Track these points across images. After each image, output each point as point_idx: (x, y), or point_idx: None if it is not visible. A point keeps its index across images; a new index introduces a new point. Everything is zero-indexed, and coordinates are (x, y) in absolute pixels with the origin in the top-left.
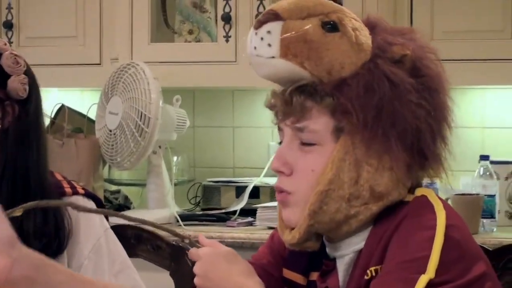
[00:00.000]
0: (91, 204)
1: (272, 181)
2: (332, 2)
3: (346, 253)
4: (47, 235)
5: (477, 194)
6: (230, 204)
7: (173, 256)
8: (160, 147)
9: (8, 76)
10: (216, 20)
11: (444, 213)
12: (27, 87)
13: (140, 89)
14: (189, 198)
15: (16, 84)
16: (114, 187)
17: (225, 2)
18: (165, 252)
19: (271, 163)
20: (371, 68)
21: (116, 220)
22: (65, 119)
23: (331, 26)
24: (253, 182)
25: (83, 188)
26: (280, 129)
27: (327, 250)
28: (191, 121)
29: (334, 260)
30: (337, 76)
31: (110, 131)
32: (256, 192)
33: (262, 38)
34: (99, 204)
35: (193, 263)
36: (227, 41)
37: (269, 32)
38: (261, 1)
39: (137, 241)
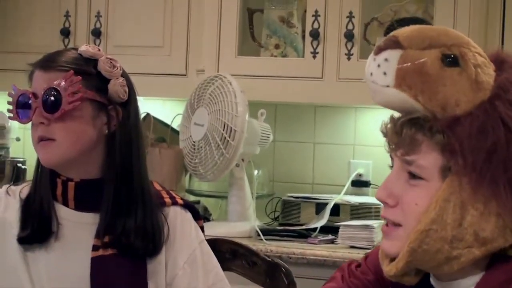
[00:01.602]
0: (188, 215)
1: (353, 199)
2: (458, 33)
3: None
4: (146, 234)
5: None
6: (309, 220)
7: (268, 272)
8: (243, 160)
9: (107, 80)
10: (304, 36)
11: None
12: (126, 89)
13: (227, 101)
14: (268, 213)
15: (117, 87)
16: (193, 198)
17: (314, 18)
18: (261, 268)
19: (376, 192)
20: (488, 109)
21: (207, 233)
22: (149, 128)
23: (452, 60)
24: (333, 199)
25: (181, 199)
26: (391, 157)
27: (432, 282)
28: (272, 135)
29: None
30: (451, 113)
31: (195, 142)
32: (336, 210)
33: (379, 65)
34: (196, 215)
35: (289, 280)
36: (314, 57)
37: (386, 60)
38: (351, 18)
39: (232, 256)
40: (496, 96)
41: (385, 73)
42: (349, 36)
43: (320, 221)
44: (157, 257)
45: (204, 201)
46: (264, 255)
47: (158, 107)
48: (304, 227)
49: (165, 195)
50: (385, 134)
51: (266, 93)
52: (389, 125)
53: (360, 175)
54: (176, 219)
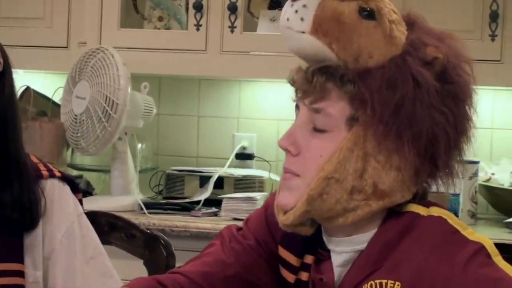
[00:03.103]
0: (66, 188)
1: (236, 172)
2: None
3: (345, 250)
4: (23, 207)
5: (443, 192)
6: (193, 194)
7: (147, 245)
8: (126, 133)
9: None
10: (187, 8)
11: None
12: (1, 60)
13: (109, 74)
14: (152, 186)
15: None
16: (76, 172)
17: None
18: (140, 240)
19: (279, 140)
20: (399, 63)
21: (90, 207)
22: (29, 101)
23: (368, 13)
24: (218, 172)
25: (59, 171)
26: (297, 107)
27: (324, 238)
28: (156, 109)
29: (328, 251)
30: (363, 64)
31: (76, 115)
32: (220, 183)
33: (296, 11)
34: (74, 187)
35: (168, 252)
36: (197, 29)
37: (305, 6)
38: None
39: (111, 228)
40: (407, 52)
41: (302, 19)
42: (233, 8)
43: (203, 194)
44: (34, 231)
45: (86, 175)
46: (146, 228)
47: (39, 80)
48: (187, 200)
49: (42, 167)
50: (292, 83)
51: (149, 66)
52: (297, 74)
53: (244, 148)
54: (53, 192)
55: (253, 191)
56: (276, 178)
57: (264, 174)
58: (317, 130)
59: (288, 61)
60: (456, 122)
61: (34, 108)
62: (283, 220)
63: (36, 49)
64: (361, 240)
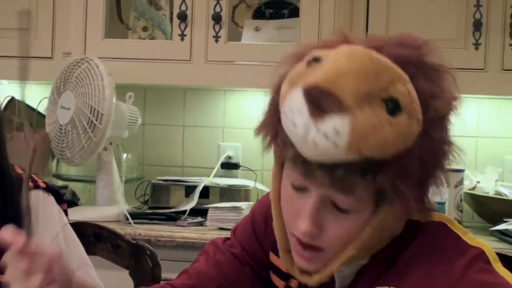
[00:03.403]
0: (50, 199)
1: (222, 181)
2: (384, 62)
3: (347, 269)
4: (7, 218)
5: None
6: (179, 203)
7: (132, 255)
8: (111, 143)
9: None
10: (172, 18)
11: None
12: None
13: (94, 84)
14: (137, 196)
15: None
16: (61, 183)
17: (181, 0)
18: (125, 251)
19: (304, 226)
20: (425, 141)
21: (75, 217)
22: (14, 112)
23: (394, 106)
24: (203, 182)
25: (44, 182)
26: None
27: None
28: (141, 119)
29: None
30: (389, 156)
31: (61, 126)
32: (205, 192)
33: (326, 137)
34: (59, 198)
35: (153, 263)
36: (182, 39)
37: (337, 133)
38: (218, 1)
39: (96, 239)
40: (427, 123)
41: (336, 145)
42: (217, 18)
43: (189, 203)
44: None
45: (72, 185)
46: (132, 238)
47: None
48: (173, 210)
49: None
50: (301, 169)
51: (134, 76)
52: (314, 169)
53: (229, 157)
54: (38, 203)
55: (239, 200)
56: (262, 187)
57: (249, 183)
58: (339, 210)
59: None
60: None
61: (19, 119)
62: (303, 281)
63: (20, 60)
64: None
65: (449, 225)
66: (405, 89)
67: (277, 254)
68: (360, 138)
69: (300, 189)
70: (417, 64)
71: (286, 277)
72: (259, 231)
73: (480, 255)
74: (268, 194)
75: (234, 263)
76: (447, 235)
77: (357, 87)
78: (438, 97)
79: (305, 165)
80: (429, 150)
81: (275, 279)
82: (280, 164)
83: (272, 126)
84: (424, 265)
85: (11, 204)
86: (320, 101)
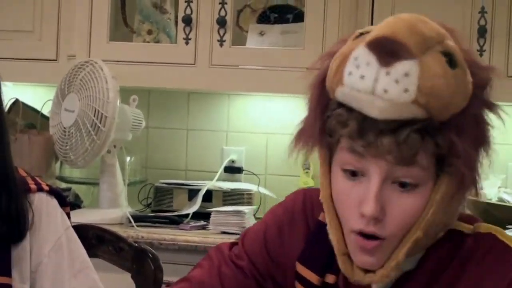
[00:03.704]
0: (53, 202)
1: (225, 185)
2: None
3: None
4: (11, 219)
5: None
6: (181, 207)
7: (135, 258)
8: (115, 146)
9: None
10: (176, 22)
11: None
12: None
13: (98, 87)
14: (141, 199)
15: None
16: (65, 185)
17: (186, 4)
18: (128, 254)
19: (367, 208)
20: (477, 104)
21: (78, 220)
22: (18, 114)
23: (451, 59)
24: (206, 185)
25: (47, 185)
26: (354, 154)
27: None
28: (145, 122)
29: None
30: (448, 115)
31: (65, 128)
32: (208, 196)
33: (397, 81)
34: (62, 201)
35: (155, 266)
36: (186, 43)
37: (407, 75)
38: (223, 5)
39: (98, 241)
40: (476, 87)
41: (406, 90)
42: (222, 22)
43: (192, 207)
44: (21, 244)
45: (75, 188)
46: (134, 241)
47: (29, 92)
48: (176, 213)
49: (30, 181)
50: (359, 137)
51: (138, 79)
52: (377, 134)
53: (233, 161)
54: (41, 206)
55: (242, 204)
56: (265, 191)
57: (252, 187)
58: (403, 188)
59: (277, 74)
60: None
61: (23, 121)
62: (369, 281)
63: (25, 62)
64: (409, 261)
65: (498, 235)
66: (456, 46)
67: (305, 265)
68: (428, 82)
69: (356, 175)
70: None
71: None
72: (272, 244)
73: None
74: (280, 204)
75: (238, 277)
76: (499, 247)
77: (416, 38)
78: (479, 67)
79: (366, 136)
80: (481, 113)
81: None
82: (327, 164)
83: (315, 123)
84: (474, 277)
85: (15, 206)
86: (388, 50)
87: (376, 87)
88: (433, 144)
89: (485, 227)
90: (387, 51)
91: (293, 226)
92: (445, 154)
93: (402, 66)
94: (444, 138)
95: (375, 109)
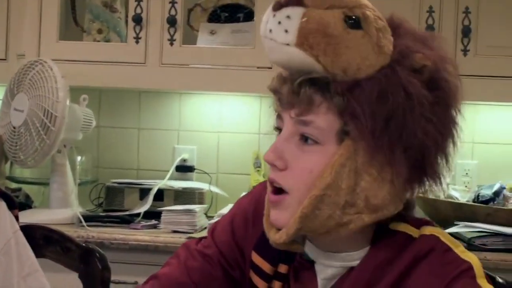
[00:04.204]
0: (2, 205)
1: (177, 184)
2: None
3: (334, 265)
4: None
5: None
6: (133, 206)
7: (82, 258)
8: (65, 146)
9: None
10: (127, 21)
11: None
12: None
13: (47, 87)
14: (92, 199)
15: None
16: (15, 185)
17: (136, 3)
18: (75, 254)
19: (265, 154)
20: (389, 74)
21: (28, 220)
22: None
23: (354, 22)
24: (157, 184)
25: None
26: (279, 117)
27: (306, 249)
28: (96, 121)
29: (311, 262)
30: (352, 76)
31: (15, 128)
32: (160, 195)
33: (279, 22)
34: (11, 204)
35: (103, 265)
36: (137, 42)
37: (288, 17)
38: (173, 4)
39: (46, 242)
40: (396, 61)
41: (286, 31)
42: (172, 21)
43: (143, 206)
44: None
45: (26, 188)
46: (85, 241)
47: None
48: (127, 212)
49: None
50: (275, 92)
51: (89, 78)
52: (282, 83)
53: (184, 160)
54: None
55: (193, 203)
56: (216, 190)
57: (204, 186)
58: (305, 143)
59: (228, 73)
60: (444, 128)
61: None
62: (276, 239)
63: None
64: (353, 257)
65: (441, 237)
66: (373, 17)
67: (260, 253)
68: (310, 30)
69: (279, 129)
70: (410, 31)
71: (268, 278)
72: (239, 232)
73: (468, 269)
74: (244, 196)
75: (205, 267)
76: (439, 248)
77: None
78: (419, 52)
79: (279, 90)
80: (395, 89)
81: (256, 279)
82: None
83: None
84: (416, 277)
85: None
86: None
87: (266, 29)
88: (332, 103)
89: (429, 229)
90: (281, 0)
91: (256, 216)
92: (348, 119)
93: (287, 11)
94: (343, 99)
95: (267, 51)
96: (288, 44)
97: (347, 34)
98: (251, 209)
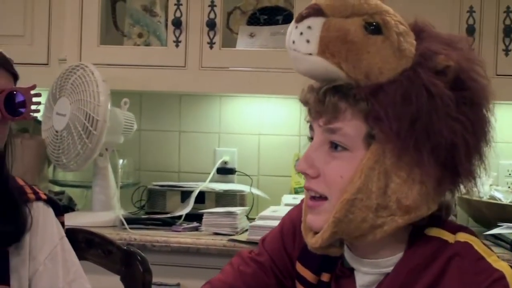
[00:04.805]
0: (50, 211)
1: (218, 186)
2: (378, 1)
3: (371, 272)
4: (8, 220)
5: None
6: (175, 209)
7: (124, 260)
8: (107, 149)
9: None
10: (167, 25)
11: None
12: None
13: (89, 91)
14: (134, 202)
15: None
16: (58, 188)
17: (176, 7)
18: (116, 256)
19: (298, 163)
20: (411, 76)
21: (71, 223)
22: None
23: (374, 28)
24: (199, 187)
25: (45, 194)
26: (311, 127)
27: (346, 257)
28: (137, 125)
29: (351, 269)
30: (375, 80)
31: (57, 132)
32: (201, 197)
33: (301, 33)
34: (57, 210)
35: (144, 268)
36: (177, 46)
37: (309, 27)
38: (213, 7)
39: (88, 245)
40: (418, 64)
41: (308, 41)
42: (211, 25)
43: (185, 209)
44: (20, 252)
45: (69, 191)
46: (127, 244)
47: None
48: (169, 215)
49: (28, 190)
50: (305, 103)
51: (129, 82)
52: (310, 94)
53: (225, 162)
54: (38, 215)
55: (234, 205)
56: (257, 192)
57: (245, 188)
58: (335, 150)
59: (267, 76)
60: (474, 128)
61: (16, 125)
62: (312, 243)
63: (16, 67)
64: (387, 263)
65: (474, 245)
66: (393, 22)
67: (303, 263)
68: (331, 38)
69: (310, 130)
70: (434, 34)
71: (311, 286)
72: (288, 242)
73: (500, 279)
74: (294, 208)
75: (258, 273)
76: (472, 256)
77: (337, 4)
78: (441, 53)
79: (305, 96)
80: (418, 91)
81: None
82: None
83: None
84: (449, 284)
85: (14, 212)
86: (305, 11)
87: (289, 40)
88: (357, 108)
89: (463, 236)
90: (303, 12)
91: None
92: (373, 124)
93: (308, 21)
94: (367, 104)
95: (293, 62)
96: (310, 54)
97: (368, 40)
98: (298, 220)
